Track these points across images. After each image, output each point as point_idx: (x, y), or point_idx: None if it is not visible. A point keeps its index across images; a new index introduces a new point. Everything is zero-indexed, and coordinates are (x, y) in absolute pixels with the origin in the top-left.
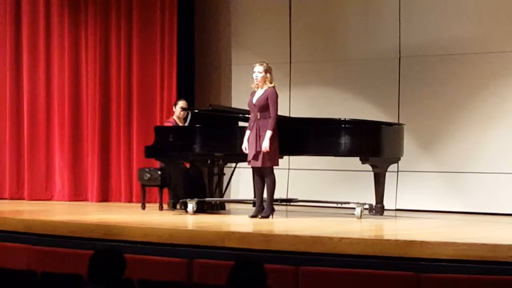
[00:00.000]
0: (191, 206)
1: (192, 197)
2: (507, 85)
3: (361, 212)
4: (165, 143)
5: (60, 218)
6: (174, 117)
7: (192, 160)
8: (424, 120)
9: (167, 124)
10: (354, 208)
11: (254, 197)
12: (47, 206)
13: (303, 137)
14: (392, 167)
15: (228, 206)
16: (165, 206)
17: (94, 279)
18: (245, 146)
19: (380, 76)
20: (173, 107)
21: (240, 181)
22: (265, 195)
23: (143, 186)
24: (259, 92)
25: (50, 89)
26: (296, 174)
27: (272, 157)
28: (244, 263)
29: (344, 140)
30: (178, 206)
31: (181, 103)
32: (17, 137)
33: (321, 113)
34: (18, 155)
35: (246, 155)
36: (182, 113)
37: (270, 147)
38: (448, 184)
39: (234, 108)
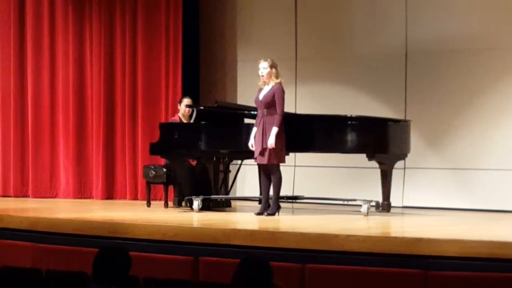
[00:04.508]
0: (196, 203)
1: (197, 195)
2: None
3: (367, 209)
4: (170, 140)
5: (65, 216)
6: (179, 114)
7: (197, 157)
8: (431, 116)
9: (172, 121)
10: (360, 205)
11: (260, 194)
12: (51, 204)
13: (309, 134)
14: (399, 164)
15: (233, 203)
16: (170, 203)
17: (99, 277)
18: (251, 143)
19: (387, 73)
20: (178, 104)
21: (246, 178)
22: (271, 192)
23: (148, 184)
24: (266, 89)
25: (54, 86)
26: (302, 171)
27: (278, 154)
28: (250, 260)
29: (351, 137)
30: (183, 204)
31: (186, 101)
32: (22, 134)
33: (327, 110)
34: (23, 153)
35: (251, 152)
36: (187, 110)
37: (276, 144)
38: (455, 181)
39: (239, 105)
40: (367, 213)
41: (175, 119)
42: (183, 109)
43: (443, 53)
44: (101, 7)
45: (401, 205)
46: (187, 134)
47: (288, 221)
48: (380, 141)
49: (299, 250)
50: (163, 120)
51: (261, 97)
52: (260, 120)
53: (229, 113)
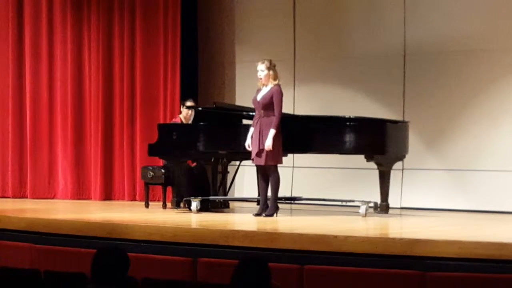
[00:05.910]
0: (194, 204)
1: (195, 196)
2: None
3: (366, 210)
4: (168, 141)
5: (63, 217)
6: (181, 116)
7: (195, 158)
8: (429, 117)
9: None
10: (359, 207)
11: (258, 195)
12: (50, 205)
13: (307, 135)
14: (397, 165)
15: (232, 204)
16: (168, 204)
17: (98, 278)
18: (248, 143)
19: (385, 73)
20: (181, 107)
21: (244, 179)
22: (269, 193)
23: (147, 184)
24: (264, 90)
25: (52, 87)
26: (300, 172)
27: (276, 155)
28: (249, 261)
29: (349, 138)
30: (181, 205)
31: (188, 103)
32: (20, 135)
33: (326, 111)
34: (21, 154)
35: (250, 153)
36: (189, 113)
37: (273, 145)
38: (454, 182)
39: (238, 106)
40: (365, 214)
41: (176, 121)
42: (186, 112)
43: (442, 54)
44: (99, 8)
45: (399, 206)
46: (185, 135)
47: (286, 222)
48: (378, 142)
49: (297, 251)
50: (161, 121)
51: (259, 98)
52: (257, 121)
53: (228, 114)
